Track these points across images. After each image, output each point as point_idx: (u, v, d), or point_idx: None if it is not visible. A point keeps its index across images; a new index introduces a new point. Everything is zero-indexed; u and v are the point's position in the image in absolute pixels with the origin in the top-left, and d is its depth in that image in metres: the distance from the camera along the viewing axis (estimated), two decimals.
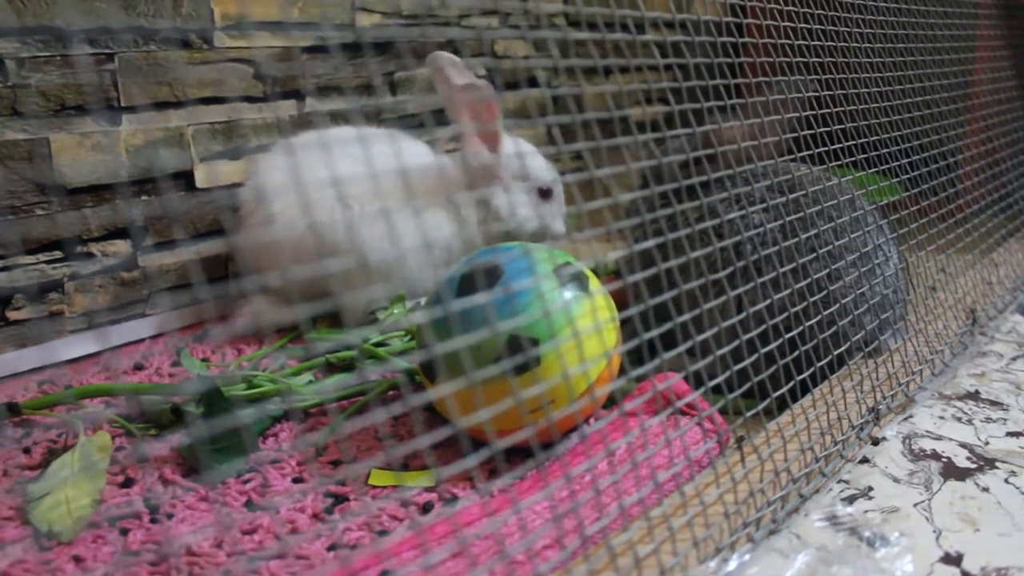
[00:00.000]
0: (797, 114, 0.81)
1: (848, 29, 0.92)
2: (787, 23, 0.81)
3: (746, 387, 0.69)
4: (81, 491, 0.70)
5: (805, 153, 0.80)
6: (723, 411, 0.71)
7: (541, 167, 1.19)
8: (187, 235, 1.17)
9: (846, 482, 0.75)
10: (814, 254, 0.82)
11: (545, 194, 1.18)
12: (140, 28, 1.09)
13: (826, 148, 0.82)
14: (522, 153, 1.17)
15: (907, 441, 0.82)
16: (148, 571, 0.63)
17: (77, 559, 0.64)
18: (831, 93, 0.85)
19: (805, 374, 0.75)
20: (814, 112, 0.81)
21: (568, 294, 0.76)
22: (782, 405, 0.76)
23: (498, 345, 0.72)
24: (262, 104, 1.22)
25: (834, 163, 0.83)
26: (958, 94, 1.27)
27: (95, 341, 1.07)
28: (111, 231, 1.10)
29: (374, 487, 0.75)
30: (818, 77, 0.83)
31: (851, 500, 0.72)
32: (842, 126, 0.85)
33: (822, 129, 0.82)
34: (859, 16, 0.96)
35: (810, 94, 0.81)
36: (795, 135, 0.79)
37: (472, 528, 0.65)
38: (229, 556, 0.64)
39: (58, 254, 1.05)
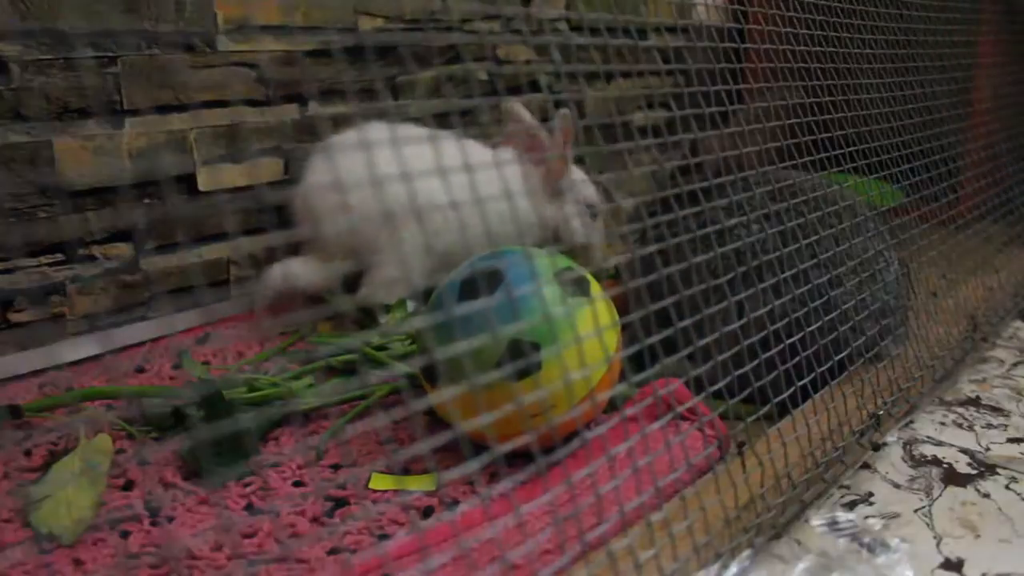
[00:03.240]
0: (783, 122, 0.81)
1: (850, 35, 0.93)
2: (789, 29, 0.81)
3: (747, 392, 0.69)
4: (82, 494, 0.71)
5: (807, 159, 0.80)
6: (724, 416, 0.71)
7: (592, 192, 1.34)
8: (189, 238, 1.17)
9: (847, 488, 0.75)
10: (815, 260, 0.82)
11: (593, 215, 1.33)
12: (143, 32, 1.09)
13: (827, 154, 0.82)
14: (582, 180, 1.32)
15: (908, 447, 0.82)
16: (148, 574, 0.63)
17: (77, 562, 0.64)
18: (832, 99, 0.85)
19: (806, 380, 0.75)
20: (805, 119, 0.81)
21: (569, 299, 0.76)
22: (783, 411, 0.76)
23: (499, 350, 0.72)
24: (264, 108, 1.22)
25: (835, 169, 0.84)
26: (959, 100, 1.27)
27: (96, 344, 1.07)
28: (113, 234, 1.10)
29: (375, 491, 0.75)
30: (819, 83, 0.83)
31: (852, 506, 0.72)
32: (843, 132, 0.85)
33: (823, 135, 0.82)
34: (861, 22, 0.96)
35: (795, 101, 0.81)
36: (793, 141, 0.79)
37: (473, 532, 0.64)
38: (229, 559, 0.64)
39: (60, 256, 1.05)
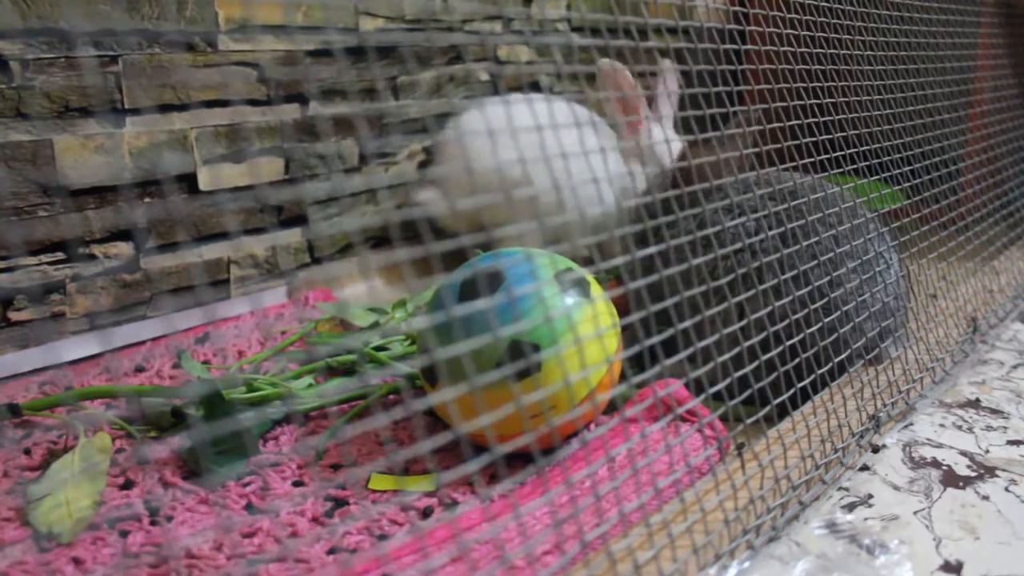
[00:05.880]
0: (783, 124, 0.80)
1: (851, 37, 0.93)
2: (790, 30, 0.81)
3: (746, 394, 0.69)
4: (81, 493, 0.71)
5: (808, 160, 0.80)
6: (723, 418, 0.71)
7: (669, 151, 1.32)
8: (190, 238, 1.17)
9: (846, 489, 0.75)
10: (815, 261, 0.82)
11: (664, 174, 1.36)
12: (144, 31, 1.09)
13: (828, 156, 0.82)
14: (667, 139, 1.29)
15: (907, 449, 0.82)
16: (148, 573, 0.63)
17: (77, 561, 0.64)
18: (833, 100, 0.85)
19: (805, 381, 0.75)
20: (805, 121, 0.81)
21: (569, 300, 0.76)
22: (782, 412, 0.76)
23: (499, 350, 0.72)
24: (265, 107, 1.22)
25: (836, 170, 0.84)
26: (960, 102, 1.27)
27: (96, 343, 1.07)
28: (113, 233, 1.10)
29: (374, 491, 0.75)
30: (819, 84, 0.83)
31: (851, 507, 0.72)
32: (844, 133, 0.85)
33: (823, 136, 0.82)
34: (861, 24, 0.96)
35: (792, 103, 0.81)
36: (793, 143, 0.79)
37: (472, 533, 0.65)
38: (229, 559, 0.64)
39: (60, 255, 1.05)
